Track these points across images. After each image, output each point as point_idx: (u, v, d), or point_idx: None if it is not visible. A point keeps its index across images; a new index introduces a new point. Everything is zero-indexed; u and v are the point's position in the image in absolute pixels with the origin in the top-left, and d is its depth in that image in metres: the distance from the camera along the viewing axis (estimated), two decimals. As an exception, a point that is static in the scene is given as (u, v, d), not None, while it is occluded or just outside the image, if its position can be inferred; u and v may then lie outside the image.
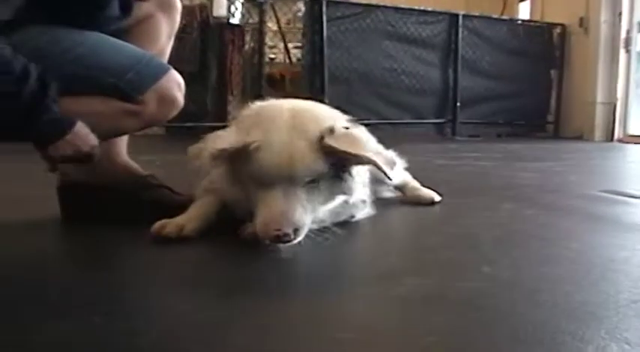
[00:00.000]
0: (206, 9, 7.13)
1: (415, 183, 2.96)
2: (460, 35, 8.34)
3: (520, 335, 1.29)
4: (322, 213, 2.20)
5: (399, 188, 2.92)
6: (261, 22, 7.56)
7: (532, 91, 9.05)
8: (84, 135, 1.99)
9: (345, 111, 2.35)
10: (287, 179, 1.96)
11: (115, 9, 2.20)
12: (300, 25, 8.13)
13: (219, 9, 7.14)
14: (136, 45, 2.21)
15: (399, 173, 2.90)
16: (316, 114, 2.15)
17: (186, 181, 2.39)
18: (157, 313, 1.42)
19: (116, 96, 2.09)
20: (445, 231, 2.40)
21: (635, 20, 8.57)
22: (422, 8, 8.37)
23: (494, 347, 1.24)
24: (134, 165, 2.40)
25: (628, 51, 8.60)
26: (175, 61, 2.36)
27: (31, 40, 2.01)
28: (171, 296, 1.54)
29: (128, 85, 2.09)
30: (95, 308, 1.41)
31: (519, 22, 9.37)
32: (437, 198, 2.88)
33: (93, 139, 2.01)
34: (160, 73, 2.18)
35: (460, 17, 8.38)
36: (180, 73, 2.29)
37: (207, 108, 7.13)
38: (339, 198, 2.18)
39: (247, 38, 7.53)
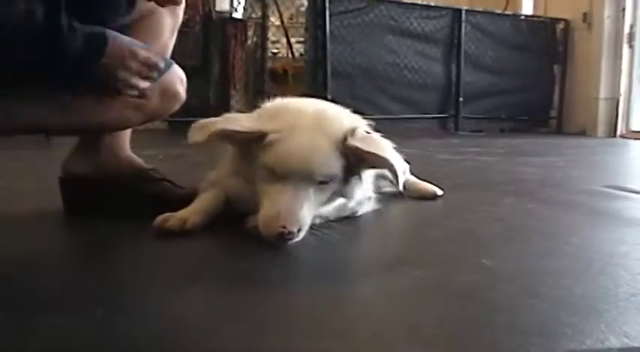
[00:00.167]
0: (209, 3, 7.14)
1: (415, 179, 2.96)
2: (463, 30, 8.33)
3: (519, 327, 1.30)
4: (326, 209, 2.22)
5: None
6: (264, 16, 7.58)
7: (535, 87, 9.04)
8: (127, 40, 1.99)
9: (347, 106, 2.36)
10: (302, 176, 1.95)
11: (121, 5, 2.21)
12: (302, 19, 8.13)
13: (222, 3, 7.16)
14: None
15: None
16: (340, 115, 2.18)
17: (188, 175, 2.40)
18: (158, 306, 1.42)
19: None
20: (447, 225, 2.41)
21: (639, 16, 8.55)
22: (425, 3, 8.38)
23: (493, 338, 1.25)
24: (137, 158, 2.40)
25: (631, 46, 8.58)
26: (178, 55, 2.36)
27: None
28: (172, 289, 1.54)
29: None
30: (96, 301, 1.42)
31: (522, 17, 9.35)
32: (439, 192, 2.89)
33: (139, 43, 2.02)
34: (163, 68, 2.19)
35: (463, 12, 8.37)
36: (183, 67, 2.30)
37: (210, 103, 7.14)
38: (338, 201, 2.19)
39: (250, 33, 7.55)
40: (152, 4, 2.23)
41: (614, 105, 8.63)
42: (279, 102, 2.23)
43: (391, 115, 7.76)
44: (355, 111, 2.44)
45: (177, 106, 2.28)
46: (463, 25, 8.33)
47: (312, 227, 1.99)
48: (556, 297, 1.52)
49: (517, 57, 8.81)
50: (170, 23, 2.38)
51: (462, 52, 8.35)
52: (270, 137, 1.98)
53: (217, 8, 7.19)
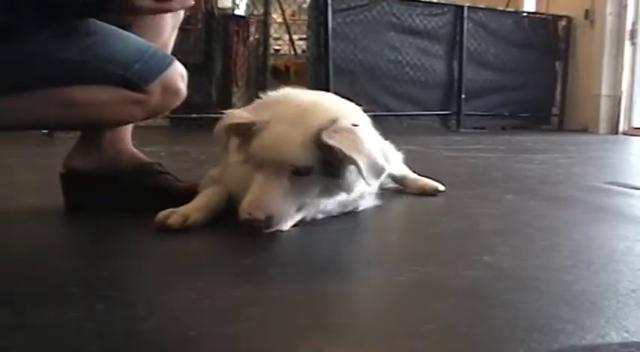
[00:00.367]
0: (211, 0, 7.13)
1: (415, 175, 2.97)
2: (465, 27, 8.32)
3: (520, 322, 1.30)
4: (329, 204, 2.23)
5: (400, 181, 2.93)
6: (266, 13, 7.57)
7: (537, 84, 9.02)
8: None
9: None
10: (273, 165, 1.99)
11: None
12: (305, 16, 8.12)
13: (224, 0, 7.15)
14: (140, 36, 2.23)
15: (398, 166, 2.91)
16: (325, 107, 2.14)
17: (190, 171, 2.40)
18: (158, 300, 1.42)
19: (122, 86, 2.11)
20: (448, 221, 2.41)
21: (641, 12, 8.56)
22: (427, 0, 8.36)
23: (493, 334, 1.25)
24: (139, 153, 2.41)
25: (633, 43, 8.57)
26: (180, 52, 2.36)
27: None
28: (173, 285, 1.55)
29: (134, 75, 2.11)
30: (97, 295, 1.43)
31: (524, 14, 9.33)
32: (441, 187, 2.89)
33: None
34: (164, 64, 2.21)
35: (465, 9, 8.36)
36: (185, 64, 2.30)
37: (212, 100, 7.14)
38: (339, 195, 2.18)
39: (252, 30, 7.54)
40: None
41: (616, 102, 8.62)
42: (279, 92, 2.25)
43: (393, 112, 7.76)
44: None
45: (178, 102, 2.29)
46: (465, 22, 8.32)
47: (313, 222, 2.00)
48: (556, 293, 1.52)
49: (519, 54, 8.80)
50: (171, 20, 2.38)
51: (464, 49, 8.34)
52: (255, 127, 2.04)
53: (219, 5, 7.18)
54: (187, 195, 2.17)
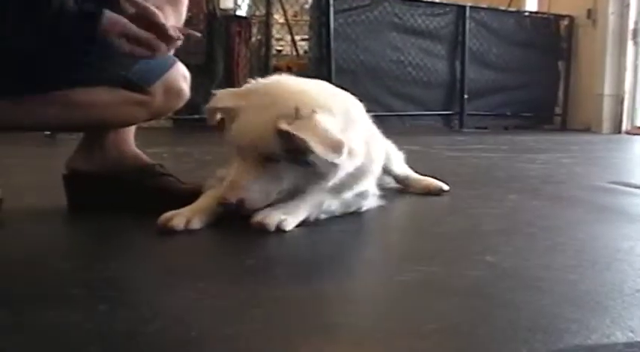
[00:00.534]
0: (213, 1, 7.13)
1: (417, 175, 2.96)
2: (467, 27, 8.30)
3: (523, 322, 1.30)
4: (333, 204, 2.25)
5: (402, 181, 2.93)
6: (268, 14, 7.56)
7: (539, 83, 9.01)
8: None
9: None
10: (244, 151, 2.05)
11: None
12: (307, 17, 8.12)
13: (226, 1, 7.15)
14: None
15: (400, 166, 2.92)
16: (293, 95, 2.10)
17: (193, 172, 2.40)
18: (160, 301, 1.42)
19: (124, 87, 2.11)
20: (450, 221, 2.41)
21: (643, 12, 8.54)
22: (429, 0, 8.35)
23: (496, 334, 1.25)
24: (142, 154, 2.41)
25: (636, 43, 8.56)
26: (182, 53, 2.36)
27: None
28: (175, 284, 1.55)
29: (135, 76, 2.11)
30: (98, 297, 1.42)
31: (526, 13, 9.32)
32: (445, 187, 2.89)
33: None
34: (166, 65, 2.21)
35: (467, 9, 8.34)
36: (187, 65, 2.31)
37: (214, 101, 7.12)
38: (318, 184, 2.16)
39: (254, 30, 7.53)
40: (155, 1, 2.24)
41: (619, 102, 8.61)
42: (268, 79, 2.25)
43: (396, 112, 7.75)
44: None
45: (181, 104, 2.29)
46: (467, 21, 8.30)
47: (316, 222, 1.99)
48: (560, 293, 1.52)
49: (521, 54, 8.78)
50: (173, 21, 2.38)
51: (466, 49, 8.32)
52: (232, 112, 2.11)
53: (221, 6, 7.18)
54: (189, 197, 2.16)
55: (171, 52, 2.24)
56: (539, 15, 9.37)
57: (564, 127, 9.06)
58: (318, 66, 7.31)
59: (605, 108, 8.62)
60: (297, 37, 8.54)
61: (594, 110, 8.67)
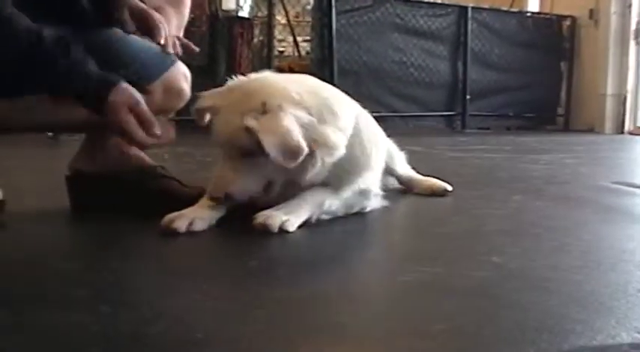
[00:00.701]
0: (215, 2, 7.13)
1: (420, 176, 2.96)
2: (469, 28, 8.30)
3: (529, 323, 1.29)
4: (334, 204, 2.24)
5: (406, 182, 2.92)
6: (270, 15, 7.55)
7: (542, 84, 9.00)
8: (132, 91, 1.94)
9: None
10: (224, 148, 2.09)
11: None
12: (309, 18, 8.12)
13: (228, 2, 7.15)
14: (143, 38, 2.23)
15: (403, 166, 2.91)
16: (265, 91, 2.10)
17: (194, 174, 2.40)
18: (163, 303, 1.41)
19: None
20: (455, 222, 2.40)
21: (645, 12, 8.53)
22: (431, 1, 8.35)
23: (502, 334, 1.24)
24: (144, 155, 2.40)
25: (638, 42, 8.56)
26: (184, 54, 2.36)
27: None
28: (178, 286, 1.54)
29: (135, 75, 2.10)
30: (101, 298, 1.42)
31: (529, 14, 9.32)
32: (449, 187, 2.88)
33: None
34: (166, 64, 2.21)
35: (469, 10, 8.34)
36: (189, 66, 2.30)
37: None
38: (303, 178, 2.15)
39: (256, 31, 7.53)
40: (157, 2, 2.24)
41: (622, 102, 8.60)
42: (249, 76, 2.25)
43: (398, 113, 7.75)
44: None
45: (182, 103, 2.29)
46: (469, 22, 8.30)
47: (319, 223, 1.99)
48: (566, 293, 1.51)
49: (523, 54, 8.78)
50: (175, 21, 2.38)
51: (469, 49, 8.32)
52: (212, 111, 2.15)
53: (223, 7, 7.18)
54: (191, 199, 2.16)
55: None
56: (542, 15, 9.37)
57: (567, 128, 9.05)
58: (320, 67, 7.30)
59: (607, 109, 8.61)
60: (299, 38, 8.55)
61: (597, 110, 8.66)
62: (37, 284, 1.53)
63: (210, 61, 7.09)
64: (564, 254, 1.92)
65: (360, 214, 2.36)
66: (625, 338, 1.22)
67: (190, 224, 2.03)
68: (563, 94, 9.21)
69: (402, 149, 2.93)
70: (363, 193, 2.36)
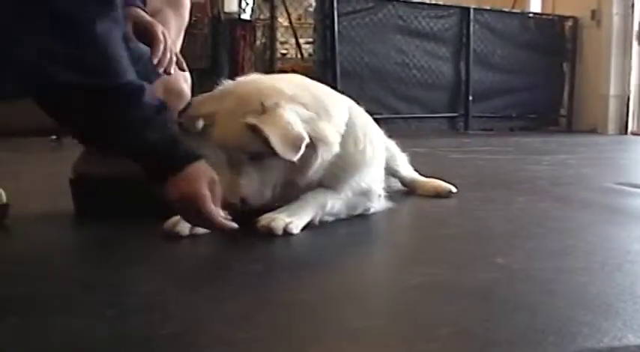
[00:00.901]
0: (217, 5, 7.14)
1: (423, 178, 2.96)
2: (471, 29, 8.30)
3: (536, 325, 1.28)
4: (337, 205, 2.24)
5: (409, 183, 2.92)
6: (272, 17, 7.57)
7: (544, 85, 8.99)
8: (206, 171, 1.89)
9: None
10: (232, 152, 2.08)
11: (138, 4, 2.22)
12: (311, 20, 8.12)
13: (231, 5, 7.16)
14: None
15: (406, 168, 2.91)
16: (263, 90, 2.12)
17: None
18: (171, 307, 1.41)
19: None
20: (459, 223, 2.40)
21: (648, 12, 8.52)
22: (433, 2, 8.35)
23: (510, 337, 1.24)
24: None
25: (640, 43, 8.55)
26: (187, 57, 2.36)
27: None
28: (184, 290, 1.54)
29: (139, 73, 2.10)
30: (107, 302, 1.42)
31: (531, 15, 9.31)
32: (453, 189, 2.88)
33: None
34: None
35: (471, 11, 8.34)
36: (192, 69, 2.30)
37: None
38: (302, 175, 2.16)
39: (258, 34, 7.55)
40: (156, 5, 2.24)
41: (625, 103, 8.58)
42: (237, 80, 2.28)
43: (401, 115, 7.75)
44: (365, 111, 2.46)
45: (182, 104, 2.29)
46: (471, 23, 8.30)
47: (323, 225, 1.99)
48: (572, 295, 1.51)
49: (526, 55, 8.78)
50: (175, 24, 2.38)
51: (471, 50, 8.32)
52: (209, 118, 2.13)
53: (226, 10, 7.19)
54: None
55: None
56: (544, 16, 9.36)
57: (570, 129, 9.04)
58: (322, 69, 7.30)
59: (610, 109, 8.60)
60: (301, 40, 8.54)
61: (600, 111, 8.65)
62: (42, 288, 1.53)
63: (213, 64, 7.10)
64: (569, 255, 1.92)
65: (364, 216, 2.36)
66: (632, 340, 1.22)
67: (193, 227, 2.03)
68: (565, 95, 9.19)
69: (405, 151, 2.93)
70: (365, 193, 2.36)
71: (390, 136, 2.85)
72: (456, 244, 2.08)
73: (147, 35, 2.18)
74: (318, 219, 2.19)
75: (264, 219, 2.06)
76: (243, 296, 1.50)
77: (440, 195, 2.84)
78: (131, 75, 1.79)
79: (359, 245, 2.13)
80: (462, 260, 1.86)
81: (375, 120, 2.54)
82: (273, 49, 7.60)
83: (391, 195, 2.62)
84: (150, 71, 2.14)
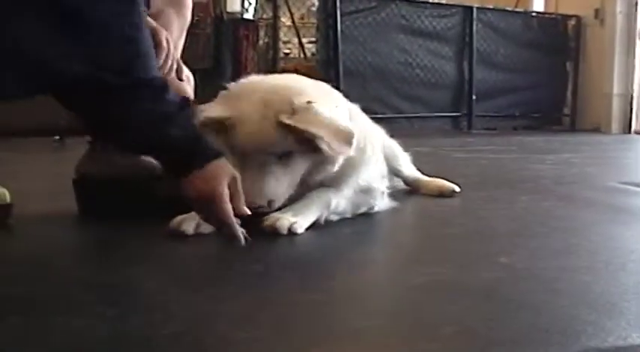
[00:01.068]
0: (220, 5, 7.14)
1: (427, 177, 2.95)
2: (474, 28, 8.29)
3: (540, 324, 1.28)
4: (341, 205, 2.24)
5: (412, 182, 2.92)
6: (275, 17, 7.56)
7: (548, 84, 8.99)
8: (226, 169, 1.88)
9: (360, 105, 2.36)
10: (258, 154, 2.04)
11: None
12: (314, 19, 8.12)
13: (233, 4, 7.16)
14: None
15: (408, 167, 2.91)
16: (282, 91, 2.12)
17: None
18: (173, 307, 1.41)
19: None
20: (463, 223, 2.39)
21: (652, 11, 8.51)
22: (436, 1, 8.34)
23: (512, 336, 1.23)
24: (150, 159, 2.40)
25: (644, 42, 8.54)
26: (189, 57, 2.36)
27: None
28: (186, 289, 1.54)
29: None
30: (109, 301, 1.41)
31: (533, 14, 9.30)
32: (457, 188, 2.88)
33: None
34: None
35: (474, 10, 8.33)
36: (195, 70, 2.30)
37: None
38: (326, 171, 2.17)
39: (261, 33, 7.53)
40: (158, 4, 2.24)
41: (628, 102, 8.57)
42: (241, 83, 2.25)
43: (404, 114, 7.74)
44: (367, 111, 2.46)
45: None
46: (474, 22, 8.29)
47: (327, 224, 1.99)
48: (576, 294, 1.51)
49: (529, 54, 8.77)
50: (177, 24, 2.38)
51: (474, 49, 8.31)
52: (226, 122, 2.08)
53: (228, 9, 7.19)
54: None
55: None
56: (547, 15, 9.35)
57: (573, 128, 9.02)
58: (325, 68, 7.30)
59: (614, 108, 8.58)
60: (304, 40, 8.53)
61: (603, 110, 8.64)
62: (43, 288, 1.53)
63: (216, 64, 7.09)
64: (573, 254, 1.91)
65: (368, 215, 2.36)
66: (636, 339, 1.21)
67: (198, 226, 2.02)
68: (569, 94, 9.18)
69: (408, 150, 2.93)
70: (368, 191, 2.35)
71: (392, 136, 2.85)
72: (460, 243, 2.07)
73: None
74: (323, 218, 2.18)
75: (270, 218, 2.06)
76: (244, 295, 1.49)
77: (443, 194, 2.84)
78: (156, 71, 1.80)
79: (361, 244, 2.13)
80: (465, 259, 1.86)
81: (378, 119, 2.55)
82: (275, 49, 7.58)
83: (394, 194, 2.62)
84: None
